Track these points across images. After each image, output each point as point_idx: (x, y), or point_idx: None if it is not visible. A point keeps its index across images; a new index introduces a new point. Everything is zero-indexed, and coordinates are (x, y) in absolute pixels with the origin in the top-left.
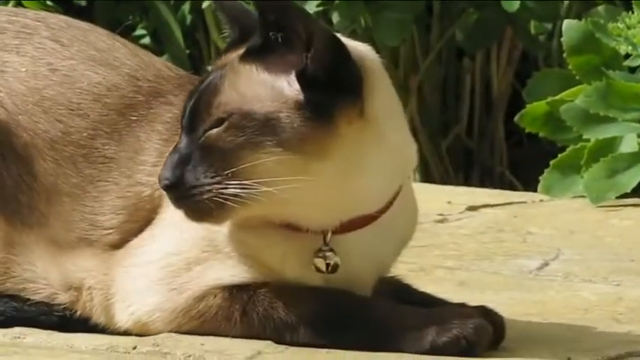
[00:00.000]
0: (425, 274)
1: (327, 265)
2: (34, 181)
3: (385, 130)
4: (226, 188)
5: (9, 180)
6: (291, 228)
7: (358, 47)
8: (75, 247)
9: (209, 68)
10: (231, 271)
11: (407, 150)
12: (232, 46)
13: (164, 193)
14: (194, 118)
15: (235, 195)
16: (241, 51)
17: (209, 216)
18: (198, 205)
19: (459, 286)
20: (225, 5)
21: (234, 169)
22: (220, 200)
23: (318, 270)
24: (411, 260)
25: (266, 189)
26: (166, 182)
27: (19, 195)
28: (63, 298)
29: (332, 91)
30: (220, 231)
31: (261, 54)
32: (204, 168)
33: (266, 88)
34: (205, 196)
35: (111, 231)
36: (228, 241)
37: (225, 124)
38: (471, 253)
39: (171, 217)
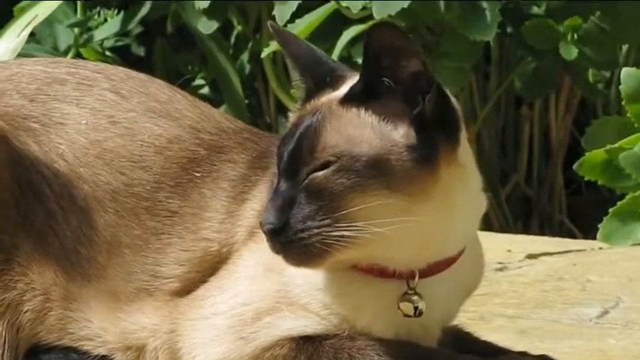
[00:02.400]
0: (485, 322)
1: (415, 308)
2: (94, 233)
3: (469, 174)
4: (335, 231)
5: (69, 232)
6: (376, 272)
7: None
8: (134, 300)
9: (290, 115)
10: (303, 322)
11: (481, 195)
12: (311, 93)
13: (237, 244)
14: (295, 161)
15: (342, 237)
16: (329, 96)
17: (312, 260)
18: (305, 249)
19: (519, 334)
20: (299, 55)
21: (344, 212)
22: (329, 242)
23: (406, 315)
24: (471, 309)
25: (374, 230)
26: (271, 227)
27: (79, 247)
28: (121, 357)
29: (438, 134)
30: (296, 284)
31: (364, 98)
32: (312, 211)
33: (374, 130)
34: (314, 239)
35: (172, 280)
36: (303, 294)
37: (334, 166)
38: (531, 301)
39: (243, 269)
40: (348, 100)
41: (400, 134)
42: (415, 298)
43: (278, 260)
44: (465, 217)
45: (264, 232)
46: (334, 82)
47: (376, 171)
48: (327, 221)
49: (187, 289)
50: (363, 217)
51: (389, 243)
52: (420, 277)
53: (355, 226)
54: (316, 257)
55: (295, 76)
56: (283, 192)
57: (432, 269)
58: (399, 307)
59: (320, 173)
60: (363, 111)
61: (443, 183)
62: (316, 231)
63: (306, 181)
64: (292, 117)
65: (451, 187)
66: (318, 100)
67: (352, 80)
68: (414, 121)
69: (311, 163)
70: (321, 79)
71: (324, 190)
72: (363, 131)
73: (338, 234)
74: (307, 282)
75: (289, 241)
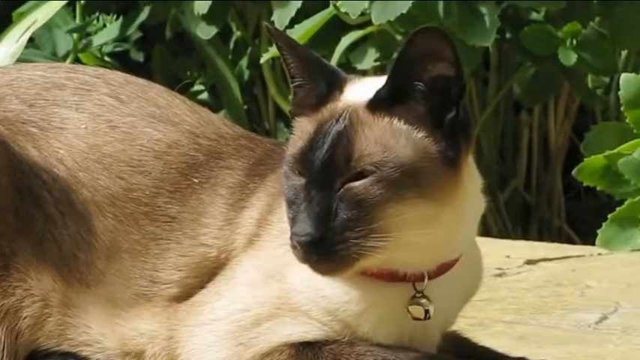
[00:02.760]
0: (484, 328)
1: (426, 311)
2: (93, 238)
3: (474, 173)
4: (369, 241)
5: (67, 237)
6: (385, 276)
7: None
8: (132, 305)
9: (299, 121)
10: (304, 328)
11: (481, 195)
12: (323, 97)
13: (235, 251)
14: (329, 170)
15: (375, 247)
16: (345, 100)
17: (342, 269)
18: (342, 260)
19: (518, 340)
20: (305, 59)
21: (381, 222)
22: (362, 252)
23: (415, 318)
24: (470, 315)
25: (405, 239)
26: (309, 238)
27: (77, 252)
28: None
29: (459, 136)
30: (298, 291)
31: (390, 102)
32: (349, 222)
33: (407, 139)
34: (352, 250)
35: (170, 285)
36: (306, 300)
37: (372, 177)
38: (530, 307)
39: (242, 275)
40: (375, 105)
41: (430, 140)
42: (424, 301)
43: (278, 267)
44: (472, 215)
45: (299, 244)
46: (340, 85)
47: (411, 180)
48: (363, 232)
49: (186, 294)
50: (398, 226)
51: (412, 248)
52: (430, 279)
53: (389, 236)
54: (347, 267)
55: (296, 80)
56: (318, 201)
57: (437, 272)
58: (408, 311)
59: (357, 183)
60: (395, 119)
61: (463, 184)
62: (354, 242)
63: (342, 190)
64: (305, 122)
65: (466, 186)
66: (334, 104)
67: (354, 83)
68: (446, 126)
69: (346, 173)
70: (331, 82)
71: (362, 200)
72: (397, 140)
73: (372, 244)
74: (310, 289)
75: (327, 252)
